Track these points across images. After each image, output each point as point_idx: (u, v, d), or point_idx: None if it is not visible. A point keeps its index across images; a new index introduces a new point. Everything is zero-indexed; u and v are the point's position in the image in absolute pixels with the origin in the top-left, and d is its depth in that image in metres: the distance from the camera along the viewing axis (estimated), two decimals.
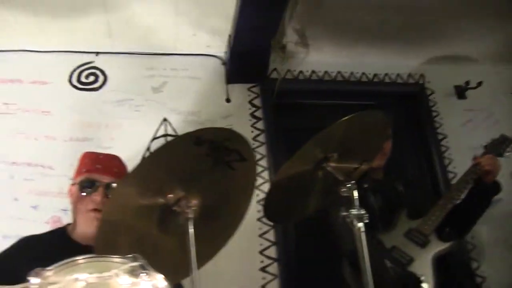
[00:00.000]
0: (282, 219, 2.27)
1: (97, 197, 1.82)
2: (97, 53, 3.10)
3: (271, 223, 2.88)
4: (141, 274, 1.03)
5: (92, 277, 0.98)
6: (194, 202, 1.58)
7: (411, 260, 2.12)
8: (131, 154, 2.81)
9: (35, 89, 2.99)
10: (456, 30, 3.22)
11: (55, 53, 3.07)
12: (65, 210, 2.71)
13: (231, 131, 1.65)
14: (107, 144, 2.89)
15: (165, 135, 2.97)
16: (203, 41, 3.12)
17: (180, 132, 2.97)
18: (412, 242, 2.18)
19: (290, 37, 3.10)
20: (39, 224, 2.69)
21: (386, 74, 3.46)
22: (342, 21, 3.11)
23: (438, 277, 2.10)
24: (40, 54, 3.06)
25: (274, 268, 2.82)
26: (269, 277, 2.78)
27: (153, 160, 1.51)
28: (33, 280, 0.96)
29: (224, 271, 2.21)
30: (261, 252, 2.85)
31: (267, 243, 2.87)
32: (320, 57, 3.32)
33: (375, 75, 3.43)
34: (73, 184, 1.96)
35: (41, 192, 2.79)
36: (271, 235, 2.90)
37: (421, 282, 2.05)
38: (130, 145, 2.89)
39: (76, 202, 1.91)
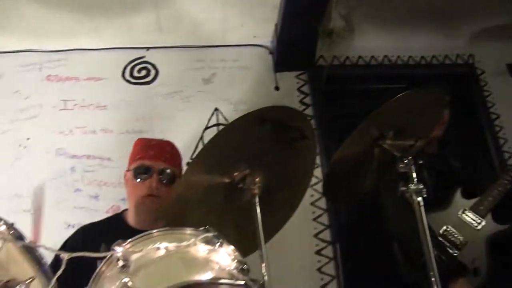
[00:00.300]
0: (339, 198, 2.28)
1: (151, 183, 1.87)
2: (148, 48, 3.19)
3: (325, 208, 2.90)
4: (216, 243, 1.06)
5: (171, 246, 1.02)
6: (259, 179, 1.61)
7: (464, 242, 2.06)
8: (184, 144, 2.88)
9: (91, 86, 3.11)
10: (504, 6, 3.16)
11: (108, 50, 3.18)
12: (124, 199, 2.76)
13: (293, 110, 1.68)
14: (161, 135, 2.93)
15: (217, 125, 3.01)
16: (251, 32, 3.17)
17: (232, 121, 3.00)
18: (466, 222, 2.12)
19: (336, 23, 3.11)
20: (100, 214, 2.76)
21: (433, 56, 3.42)
22: (386, 4, 3.11)
23: (493, 261, 2.04)
24: (94, 51, 3.18)
25: (329, 251, 2.81)
26: (325, 259, 2.77)
27: (220, 139, 1.55)
28: (117, 248, 1.00)
29: (280, 255, 2.21)
30: (315, 236, 2.84)
31: (321, 227, 2.87)
32: (366, 42, 3.32)
33: (422, 57, 3.38)
34: (128, 171, 2.03)
35: (101, 182, 2.87)
36: (324, 219, 2.89)
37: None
38: (183, 135, 2.95)
39: (131, 188, 1.97)
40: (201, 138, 2.97)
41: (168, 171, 1.91)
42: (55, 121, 3.01)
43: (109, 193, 2.85)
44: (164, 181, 1.87)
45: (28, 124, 3.01)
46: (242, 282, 0.86)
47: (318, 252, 2.80)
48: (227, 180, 1.60)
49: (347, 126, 1.78)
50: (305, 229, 2.83)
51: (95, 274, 1.08)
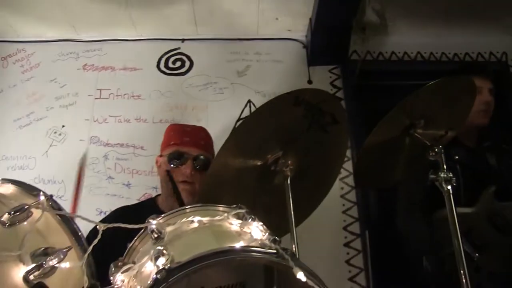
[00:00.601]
0: (370, 184, 2.27)
1: (186, 169, 1.87)
2: (183, 40, 3.23)
3: (354, 200, 2.88)
4: (248, 219, 1.07)
5: (204, 219, 1.03)
6: (291, 161, 1.61)
7: (485, 246, 1.96)
8: (216, 135, 2.86)
9: (126, 75, 3.16)
10: None
11: (144, 41, 3.24)
12: (155, 187, 2.80)
13: (327, 93, 1.68)
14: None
15: None
16: (285, 25, 3.20)
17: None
18: (492, 225, 2.01)
19: (370, 18, 3.12)
20: (132, 201, 2.75)
21: (466, 53, 3.40)
22: (420, 0, 3.10)
23: None
24: (130, 42, 3.24)
25: (357, 243, 2.77)
26: (353, 252, 2.74)
27: (254, 120, 1.56)
28: (153, 221, 1.02)
29: (309, 246, 2.19)
30: (345, 228, 2.82)
31: (351, 219, 2.84)
32: (399, 38, 3.31)
33: (455, 54, 3.37)
34: (160, 156, 2.03)
35: (133, 171, 2.89)
36: (354, 212, 2.86)
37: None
38: (216, 126, 2.96)
39: (165, 173, 1.95)
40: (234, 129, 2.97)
41: (202, 157, 1.91)
42: (90, 109, 3.05)
43: (141, 181, 2.86)
44: (198, 167, 1.88)
45: (64, 112, 3.06)
46: (274, 250, 0.86)
47: (347, 245, 2.76)
48: (259, 163, 1.61)
49: (379, 121, 1.78)
50: (335, 221, 2.81)
51: (128, 247, 1.10)
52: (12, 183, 1.12)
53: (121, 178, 2.86)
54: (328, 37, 3.08)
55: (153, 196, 2.68)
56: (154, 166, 2.77)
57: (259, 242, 0.94)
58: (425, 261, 2.14)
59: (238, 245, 0.90)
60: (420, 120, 1.68)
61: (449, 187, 1.53)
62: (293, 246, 1.43)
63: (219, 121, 3.00)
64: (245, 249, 0.87)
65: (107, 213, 2.61)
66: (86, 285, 0.92)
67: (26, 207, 0.98)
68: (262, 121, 1.49)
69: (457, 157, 2.26)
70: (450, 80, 1.70)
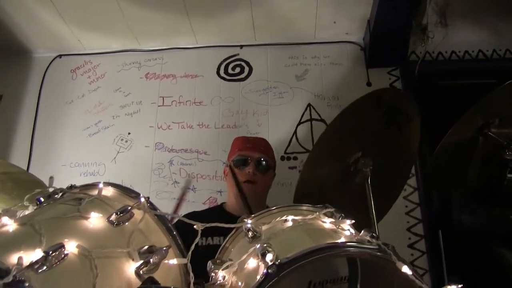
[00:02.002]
0: (444, 186, 2.23)
1: (249, 170, 2.02)
2: (242, 46, 3.28)
3: (417, 202, 2.83)
4: (339, 217, 1.08)
5: (298, 218, 1.05)
6: (370, 161, 1.62)
7: None
8: (278, 139, 2.94)
9: (187, 83, 3.25)
10: None
11: (203, 48, 3.33)
12: (220, 191, 2.85)
13: (404, 92, 1.68)
14: (255, 130, 3.02)
15: (310, 120, 3.03)
16: (342, 29, 3.19)
17: (325, 116, 3.03)
18: None
19: (430, 18, 3.07)
20: (197, 205, 2.85)
21: None
22: None
23: None
24: (190, 50, 3.34)
25: (421, 245, 2.72)
26: (417, 253, 2.69)
27: (342, 117, 1.58)
28: (247, 220, 1.05)
29: None
30: (408, 229, 2.78)
31: (414, 221, 2.79)
32: (459, 36, 3.22)
33: None
34: (227, 166, 2.16)
35: (198, 175, 2.95)
36: (417, 213, 2.82)
37: None
38: (277, 129, 3.01)
39: (231, 178, 2.06)
40: (295, 132, 3.01)
41: (263, 160, 2.08)
42: (154, 116, 3.15)
43: (205, 185, 2.93)
44: (260, 169, 2.05)
45: (129, 119, 3.18)
46: (376, 246, 0.87)
47: (410, 246, 2.73)
48: (342, 164, 1.65)
49: (440, 122, 1.76)
50: (398, 223, 2.77)
51: (221, 248, 1.15)
52: (112, 186, 1.18)
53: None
54: (386, 39, 3.04)
55: (217, 201, 2.78)
56: (217, 170, 2.86)
57: (358, 238, 0.95)
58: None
59: (341, 241, 0.92)
60: (495, 119, 1.66)
61: None
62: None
63: (279, 126, 3.04)
64: (349, 245, 0.88)
65: (174, 219, 2.68)
66: (192, 281, 0.96)
67: (129, 208, 1.03)
68: (345, 123, 1.53)
69: None
70: None
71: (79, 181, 2.68)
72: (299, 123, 3.02)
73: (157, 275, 0.96)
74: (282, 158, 2.90)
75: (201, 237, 1.93)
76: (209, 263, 1.04)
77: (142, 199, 1.12)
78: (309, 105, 3.07)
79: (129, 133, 3.10)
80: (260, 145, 2.17)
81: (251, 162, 2.04)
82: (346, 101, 3.03)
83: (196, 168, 2.96)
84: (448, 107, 2.96)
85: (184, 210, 2.67)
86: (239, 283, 0.95)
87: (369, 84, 3.12)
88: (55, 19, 3.07)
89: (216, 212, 2.16)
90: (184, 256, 1.10)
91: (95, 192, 1.14)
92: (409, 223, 2.79)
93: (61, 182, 2.80)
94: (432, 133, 1.66)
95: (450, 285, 0.84)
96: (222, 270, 0.99)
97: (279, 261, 0.82)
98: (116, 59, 3.36)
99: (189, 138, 3.05)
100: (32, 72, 3.42)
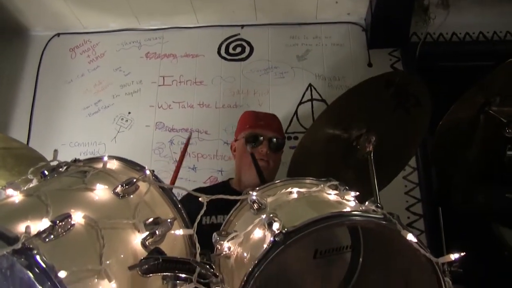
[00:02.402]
0: (446, 164, 2.24)
1: (262, 149, 1.99)
2: (243, 26, 3.26)
3: (416, 182, 2.86)
4: (343, 190, 1.08)
5: (303, 190, 1.06)
6: (374, 138, 1.63)
7: None
8: (279, 118, 2.92)
9: (188, 62, 3.23)
10: None
11: (204, 28, 3.30)
12: (221, 170, 2.87)
13: (415, 78, 1.69)
14: (256, 110, 2.99)
15: (310, 100, 3.03)
16: (344, 9, 3.17)
17: (326, 96, 3.03)
18: None
19: None
20: (198, 184, 2.85)
21: None
22: None
23: None
24: (191, 29, 3.31)
25: (420, 224, 2.75)
26: (416, 232, 2.70)
27: (345, 99, 1.59)
28: (252, 192, 1.05)
29: None
30: (407, 209, 2.80)
31: (413, 200, 2.82)
32: (460, 18, 3.20)
33: None
34: (236, 140, 2.15)
35: (199, 154, 2.96)
36: (416, 193, 2.84)
37: None
38: (278, 109, 2.99)
39: (241, 155, 2.04)
40: (296, 113, 3.01)
41: (276, 139, 2.05)
42: (154, 96, 3.15)
43: (206, 164, 2.94)
44: (273, 148, 2.02)
45: (129, 99, 3.17)
46: (381, 215, 0.88)
47: (409, 225, 2.73)
48: (345, 136, 1.66)
49: (440, 104, 1.76)
50: (397, 202, 2.79)
51: (225, 220, 1.17)
52: (116, 159, 1.19)
53: (186, 162, 2.93)
54: (388, 19, 3.03)
55: (218, 181, 2.78)
56: (218, 149, 2.86)
57: (364, 208, 0.96)
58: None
59: (347, 210, 0.93)
60: (496, 97, 1.66)
61: None
62: None
63: (280, 105, 3.04)
64: (355, 213, 0.90)
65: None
66: (198, 251, 0.97)
67: (134, 180, 1.04)
68: (354, 100, 1.56)
69: None
70: None
71: None
72: (300, 103, 3.02)
73: (163, 246, 0.97)
74: None
75: (205, 215, 1.97)
76: (215, 234, 1.05)
77: (148, 172, 1.12)
78: (310, 85, 3.06)
79: (129, 113, 3.09)
80: (274, 122, 2.15)
81: (264, 141, 2.01)
82: (347, 81, 3.04)
83: (197, 147, 2.95)
84: (448, 89, 2.95)
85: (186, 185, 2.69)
86: (245, 254, 0.97)
87: (370, 65, 3.12)
88: None
89: (222, 188, 2.15)
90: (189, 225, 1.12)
91: (100, 165, 1.15)
92: (408, 202, 2.81)
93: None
94: (432, 114, 1.66)
95: (452, 253, 0.85)
96: (228, 241, 1.00)
97: (286, 229, 0.83)
98: (116, 38, 3.34)
99: (190, 117, 3.05)
100: (30, 51, 3.38)
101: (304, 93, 3.05)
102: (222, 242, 1.00)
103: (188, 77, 3.15)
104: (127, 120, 3.07)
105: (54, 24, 3.36)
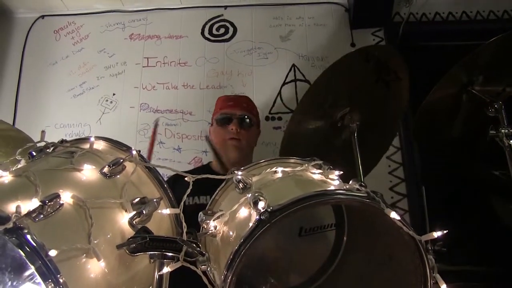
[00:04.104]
0: (428, 140, 2.28)
1: (232, 127, 2.06)
2: (226, 6, 3.27)
3: (400, 161, 2.89)
4: (327, 168, 1.12)
5: (288, 169, 1.09)
6: (357, 117, 1.66)
7: None
8: (263, 99, 2.97)
9: (172, 43, 3.23)
10: None
11: (187, 9, 3.30)
12: (205, 151, 2.90)
13: (395, 51, 1.71)
14: (240, 90, 3.04)
15: (294, 80, 3.06)
16: None
17: (309, 77, 3.06)
18: None
19: None
20: (183, 165, 2.89)
21: None
22: None
23: None
24: (174, 11, 3.30)
25: (404, 203, 2.80)
26: (399, 212, 2.76)
27: (326, 77, 1.61)
28: (237, 172, 1.08)
29: None
30: (391, 189, 2.84)
31: (397, 180, 2.86)
32: None
33: (505, 11, 3.22)
34: (211, 125, 2.22)
35: (183, 135, 2.99)
36: (400, 173, 2.88)
37: None
38: (262, 90, 3.04)
39: (216, 136, 2.13)
40: (279, 93, 3.03)
41: (246, 117, 2.11)
42: (139, 77, 3.15)
43: (191, 145, 2.97)
44: (244, 125, 2.08)
45: (114, 80, 3.17)
46: (365, 194, 0.91)
47: (393, 205, 2.79)
48: (330, 119, 1.70)
49: (424, 84, 1.78)
50: (381, 182, 2.83)
51: (211, 199, 1.19)
52: (103, 140, 1.22)
53: (171, 143, 2.97)
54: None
55: (202, 161, 2.82)
56: (202, 130, 2.89)
57: (348, 186, 1.00)
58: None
59: (331, 188, 0.97)
60: (479, 76, 1.68)
61: (510, 142, 1.53)
62: None
63: (264, 86, 3.07)
64: (339, 192, 0.93)
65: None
66: (185, 230, 1.01)
67: (121, 160, 1.07)
68: (336, 77, 1.57)
69: None
70: None
71: None
72: (284, 83, 3.05)
73: (150, 226, 1.01)
74: (267, 118, 2.94)
75: (188, 196, 2.02)
76: (200, 214, 1.08)
77: (134, 152, 1.15)
78: (293, 65, 3.09)
79: (113, 94, 3.10)
80: (243, 102, 2.20)
81: (234, 119, 2.07)
82: (330, 62, 3.00)
83: (181, 128, 2.98)
84: (431, 68, 2.97)
85: (170, 171, 2.72)
86: (231, 232, 1.00)
87: (353, 45, 3.14)
88: None
89: (203, 171, 2.20)
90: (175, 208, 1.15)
91: (87, 146, 1.17)
92: (392, 182, 2.86)
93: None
94: (416, 94, 1.69)
95: (435, 231, 0.89)
96: (214, 220, 1.03)
97: (271, 208, 0.86)
98: (100, 19, 3.32)
99: (174, 98, 3.07)
100: (14, 33, 3.36)
101: (288, 74, 3.08)
102: (208, 221, 1.03)
103: (172, 58, 3.16)
104: (111, 102, 3.08)
105: (38, 6, 3.34)
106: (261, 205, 0.88)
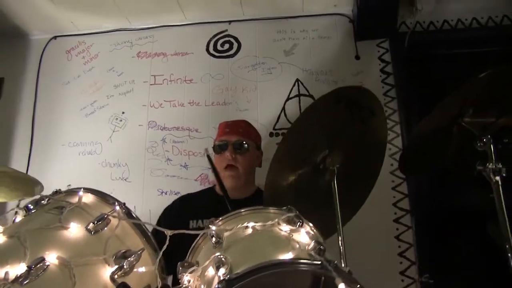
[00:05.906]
0: (417, 171, 2.25)
1: (227, 153, 2.10)
2: (230, 21, 3.31)
3: (403, 176, 2.84)
4: (297, 223, 1.17)
5: (257, 225, 1.15)
6: (337, 158, 1.67)
7: None
8: (267, 115, 3.02)
9: (178, 60, 3.30)
10: None
11: (192, 25, 3.36)
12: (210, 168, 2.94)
13: (364, 89, 1.70)
14: (244, 107, 3.09)
15: (298, 95, 3.08)
16: (331, 0, 3.18)
17: (313, 91, 3.08)
18: None
19: None
20: (189, 182, 2.98)
21: None
22: None
23: None
24: (180, 28, 3.37)
25: (407, 219, 2.77)
26: (403, 228, 2.76)
27: (301, 122, 1.60)
28: (212, 226, 1.14)
29: (359, 222, 2.27)
30: (394, 204, 2.82)
31: (400, 196, 2.83)
32: (452, 5, 3.17)
33: None
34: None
35: (190, 152, 3.06)
36: (404, 188, 2.84)
37: None
38: (266, 106, 3.08)
39: (216, 163, 2.15)
40: (283, 109, 3.07)
41: (240, 141, 2.14)
42: (146, 95, 3.24)
43: (197, 162, 3.04)
44: (239, 151, 2.11)
45: (123, 99, 3.27)
46: (319, 262, 0.94)
47: (396, 220, 2.75)
48: (311, 164, 1.69)
49: (430, 95, 1.75)
50: (384, 198, 2.82)
51: (193, 245, 1.25)
52: (91, 193, 1.29)
53: (178, 160, 3.05)
54: (375, 10, 2.99)
55: (208, 178, 2.90)
56: (209, 147, 2.93)
57: (306, 252, 1.04)
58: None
59: (288, 256, 1.02)
60: (469, 108, 1.63)
61: (497, 178, 1.50)
62: (339, 240, 1.50)
63: (268, 101, 3.10)
64: (293, 261, 0.98)
65: (167, 194, 2.84)
66: (159, 285, 1.08)
67: (105, 216, 1.14)
68: (311, 121, 1.57)
69: (506, 140, 2.23)
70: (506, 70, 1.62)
71: (77, 161, 2.85)
72: (288, 98, 3.08)
73: (133, 278, 1.08)
74: (271, 135, 2.98)
75: (193, 219, 2.12)
76: (178, 265, 1.15)
77: (117, 207, 1.22)
78: (297, 80, 3.11)
79: (123, 112, 3.19)
80: (239, 127, 2.22)
81: (229, 145, 2.11)
82: (334, 75, 3.09)
83: (188, 145, 3.06)
84: (441, 78, 2.94)
85: (175, 187, 2.83)
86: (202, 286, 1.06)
87: (357, 57, 3.14)
88: (45, 0, 3.11)
89: (207, 194, 2.27)
90: (157, 254, 1.22)
91: (76, 199, 1.25)
92: (395, 198, 2.83)
93: (61, 163, 2.97)
94: (423, 107, 1.64)
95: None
96: (188, 274, 1.10)
97: (228, 276, 0.92)
98: (108, 38, 3.41)
99: (181, 116, 3.14)
100: (30, 54, 3.50)
101: (292, 89, 3.10)
102: (183, 274, 1.10)
103: (178, 75, 3.23)
104: (121, 120, 3.17)
105: (50, 28, 3.46)
106: (221, 271, 0.95)
